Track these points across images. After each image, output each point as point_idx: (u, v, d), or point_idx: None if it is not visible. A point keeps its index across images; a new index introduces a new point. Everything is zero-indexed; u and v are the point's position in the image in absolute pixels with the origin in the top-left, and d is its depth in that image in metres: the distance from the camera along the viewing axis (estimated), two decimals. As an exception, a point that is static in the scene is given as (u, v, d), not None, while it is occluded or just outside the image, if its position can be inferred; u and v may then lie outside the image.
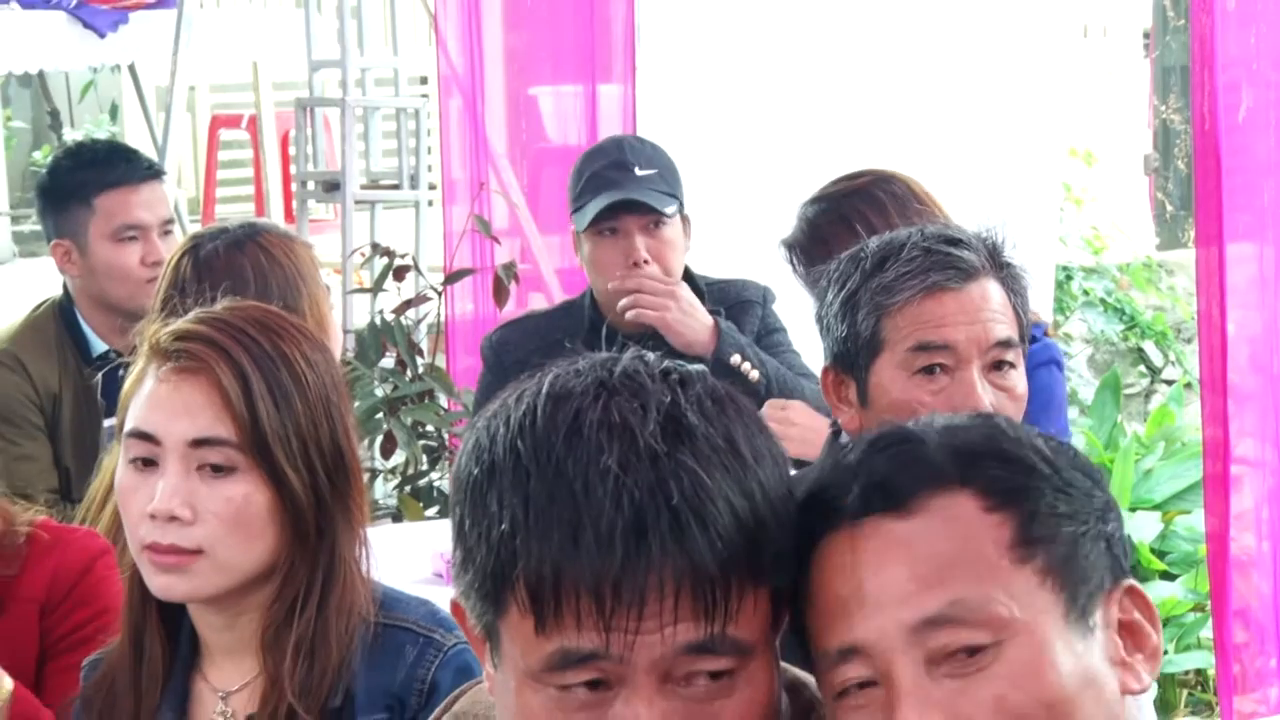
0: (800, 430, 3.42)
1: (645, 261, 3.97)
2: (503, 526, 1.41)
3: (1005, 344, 2.52)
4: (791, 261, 3.58)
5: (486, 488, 1.43)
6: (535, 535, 1.39)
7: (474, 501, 1.44)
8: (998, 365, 2.52)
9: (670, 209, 4.03)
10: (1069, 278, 7.18)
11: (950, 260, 2.50)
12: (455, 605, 1.53)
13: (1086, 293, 7.26)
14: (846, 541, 1.45)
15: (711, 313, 3.98)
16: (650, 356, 1.50)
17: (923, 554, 1.43)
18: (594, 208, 3.99)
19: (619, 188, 4.00)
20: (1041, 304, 5.18)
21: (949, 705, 1.40)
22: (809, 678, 1.60)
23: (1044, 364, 3.57)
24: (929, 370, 2.50)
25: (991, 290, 2.52)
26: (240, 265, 3.17)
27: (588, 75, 5.85)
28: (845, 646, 1.43)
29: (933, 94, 5.23)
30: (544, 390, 1.45)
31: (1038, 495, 1.44)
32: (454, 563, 1.50)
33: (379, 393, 5.33)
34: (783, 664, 1.55)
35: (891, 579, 1.43)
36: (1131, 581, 1.46)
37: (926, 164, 4.30)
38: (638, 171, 4.03)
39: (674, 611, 1.39)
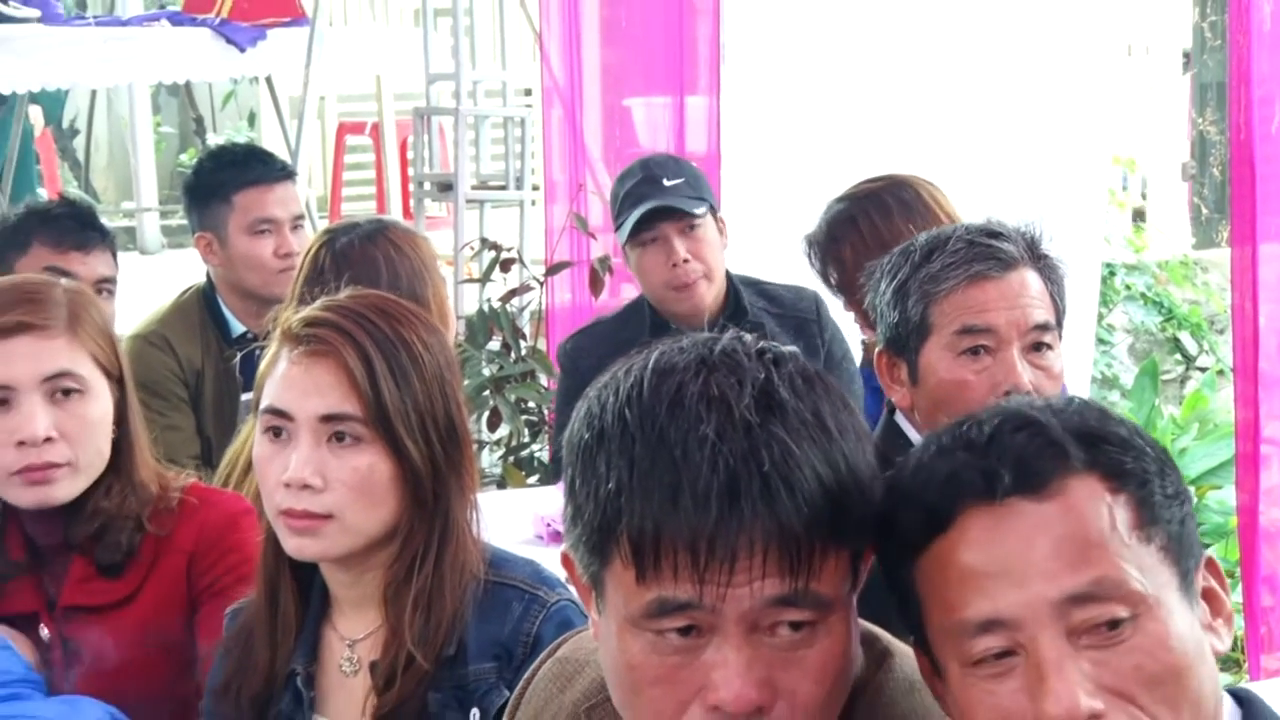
0: None
1: (685, 260, 3.99)
2: (609, 486, 1.41)
3: (1043, 327, 2.51)
4: (809, 255, 3.59)
5: (596, 451, 1.44)
6: (638, 495, 1.40)
7: (584, 463, 1.45)
8: (1036, 346, 2.51)
9: (700, 210, 4.04)
10: (1112, 274, 7.16)
11: (991, 251, 2.50)
12: (565, 557, 1.55)
13: (1128, 287, 7.23)
14: (987, 519, 1.41)
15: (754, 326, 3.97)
16: (747, 337, 1.51)
17: (1064, 534, 1.40)
18: (631, 219, 4.00)
19: (651, 199, 4.02)
20: (1088, 298, 5.14)
21: (1094, 676, 1.38)
22: (881, 632, 1.59)
23: None
24: (973, 351, 2.50)
25: (1030, 279, 2.52)
26: (373, 256, 3.18)
27: (676, 88, 5.84)
28: (987, 619, 1.40)
29: (990, 107, 5.21)
30: (650, 365, 1.46)
31: (1150, 477, 1.42)
32: (564, 518, 1.51)
33: (486, 372, 5.35)
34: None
35: (1037, 558, 1.40)
36: (1209, 553, 1.45)
37: (984, 171, 4.29)
38: (666, 183, 4.05)
39: (762, 568, 1.39)
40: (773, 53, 5.62)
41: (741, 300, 4.13)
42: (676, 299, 4.06)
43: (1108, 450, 1.42)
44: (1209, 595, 1.45)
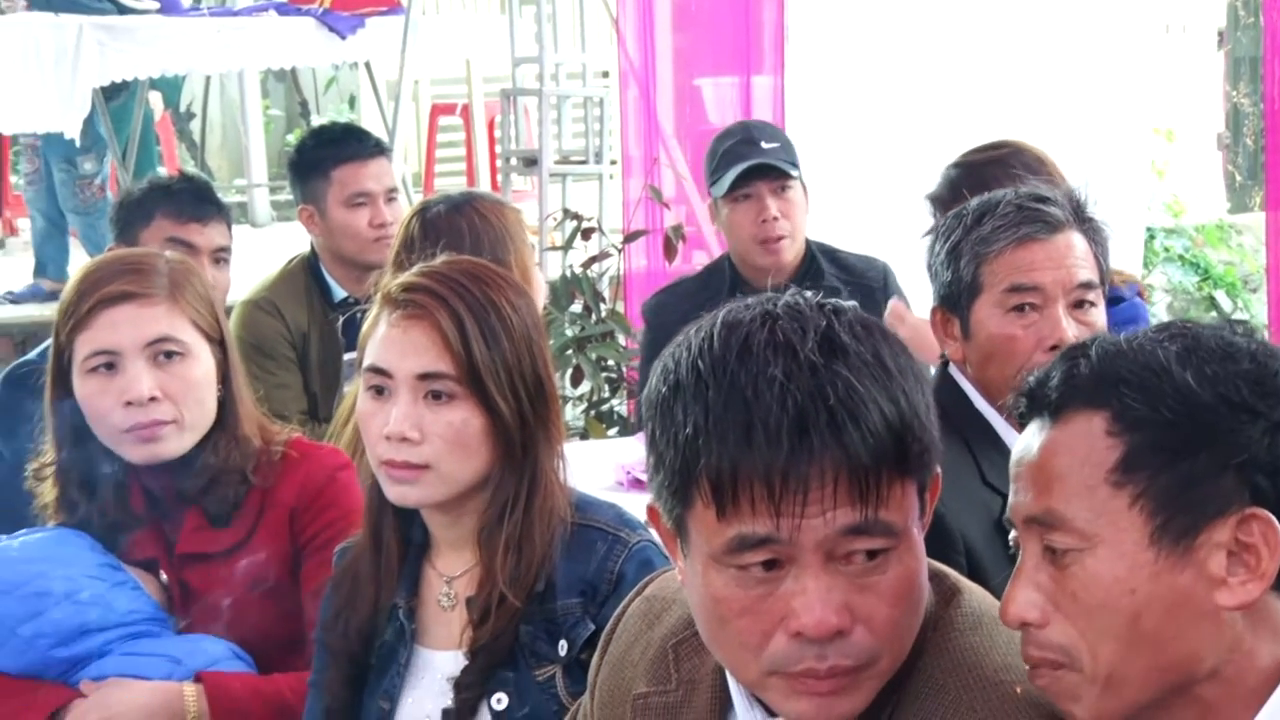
0: (907, 330, 3.39)
1: (775, 218, 3.98)
2: (687, 431, 1.41)
3: (1087, 285, 2.48)
4: (934, 215, 3.55)
5: (672, 402, 1.44)
6: (714, 436, 1.39)
7: (662, 414, 1.45)
8: (1080, 304, 2.48)
9: (795, 173, 4.03)
10: (1152, 237, 7.12)
11: (1039, 215, 2.48)
12: (651, 509, 1.54)
13: (1167, 250, 7.19)
14: (1028, 430, 1.46)
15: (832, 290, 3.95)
16: (808, 294, 1.50)
17: (1047, 462, 1.42)
18: (730, 175, 4.02)
19: (750, 158, 4.02)
20: (1132, 260, 5.09)
21: (1049, 589, 1.41)
22: (949, 569, 1.58)
23: (1126, 322, 3.53)
24: (1021, 308, 2.47)
25: (1076, 240, 2.49)
26: (459, 225, 3.17)
27: (743, 68, 5.83)
28: (1013, 513, 1.47)
29: (1040, 83, 5.18)
30: (719, 320, 1.46)
31: (1157, 428, 1.38)
32: (647, 469, 1.51)
33: (569, 333, 5.35)
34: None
35: (1025, 475, 1.44)
36: (1255, 510, 1.37)
37: (1037, 141, 4.24)
38: (764, 145, 4.06)
39: (833, 498, 1.39)
40: (834, 34, 5.60)
41: (817, 264, 4.12)
42: (761, 253, 4.05)
43: (1123, 394, 1.39)
44: (1246, 550, 1.38)
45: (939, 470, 1.51)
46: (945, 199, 3.48)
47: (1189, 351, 1.40)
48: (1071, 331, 2.44)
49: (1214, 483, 1.37)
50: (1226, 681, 1.39)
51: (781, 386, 1.38)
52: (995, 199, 2.55)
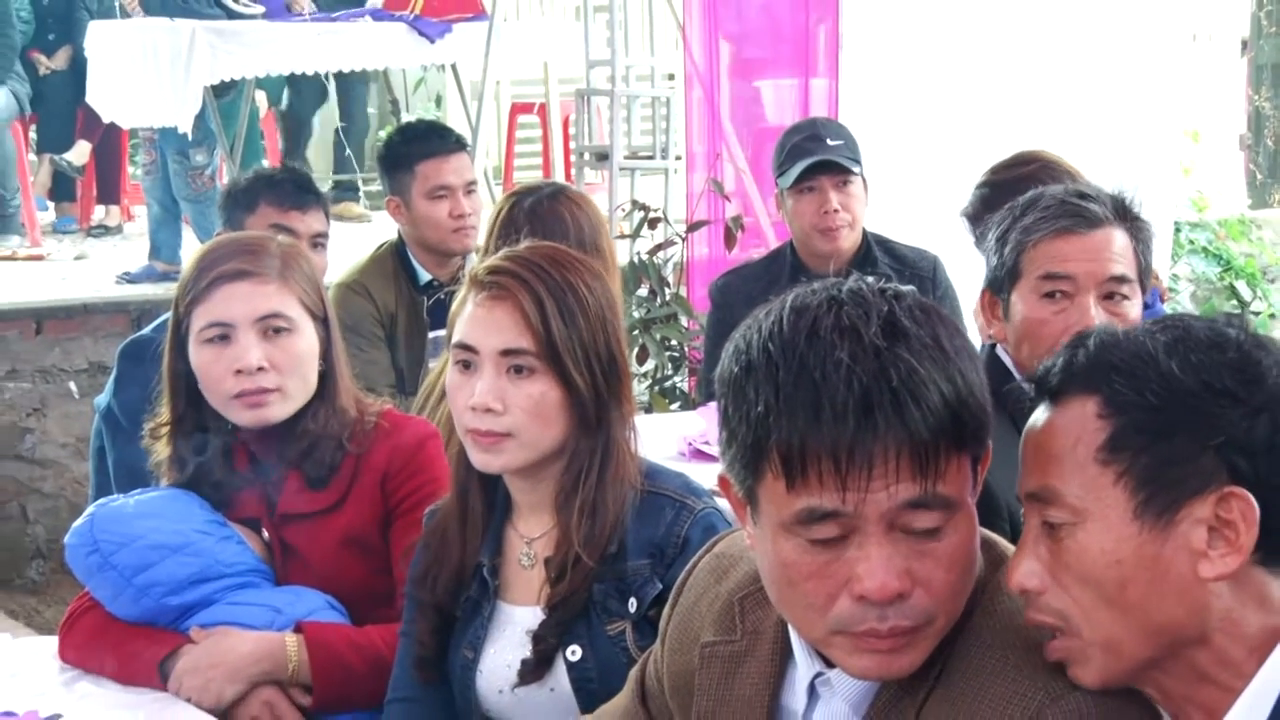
0: None
1: (835, 210, 3.98)
2: (759, 409, 1.41)
3: (1119, 279, 2.45)
4: (971, 231, 3.52)
5: (745, 381, 1.43)
6: (785, 414, 1.39)
7: (735, 392, 1.44)
8: (1111, 295, 2.45)
9: (856, 169, 4.02)
10: (1178, 230, 7.05)
11: (1079, 210, 2.45)
12: (722, 479, 1.53)
13: (1191, 242, 7.12)
14: (1035, 414, 1.47)
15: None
16: (869, 279, 1.49)
17: (1043, 442, 1.43)
18: (796, 169, 4.02)
19: (815, 154, 4.01)
20: (1161, 256, 5.04)
21: (1047, 560, 1.41)
22: (997, 538, 1.57)
23: None
24: (1053, 295, 2.45)
25: (1116, 236, 2.45)
26: (560, 213, 3.17)
27: (800, 71, 5.81)
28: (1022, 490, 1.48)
29: (1077, 88, 5.14)
30: (787, 305, 1.45)
31: (1141, 411, 1.38)
32: (720, 442, 1.50)
33: (635, 315, 5.34)
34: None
35: (1027, 454, 1.46)
36: (1234, 488, 1.36)
37: (1074, 142, 4.21)
38: (829, 142, 4.05)
39: (896, 473, 1.38)
40: (885, 41, 5.58)
41: (872, 253, 4.11)
42: (821, 240, 4.04)
43: (1114, 380, 1.39)
44: (1225, 525, 1.37)
45: (990, 444, 1.49)
46: (977, 215, 3.45)
47: (1178, 341, 1.40)
48: (1099, 320, 2.39)
49: (1193, 463, 1.37)
50: (1216, 648, 1.39)
51: (847, 369, 1.38)
52: (1043, 193, 2.53)
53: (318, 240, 3.71)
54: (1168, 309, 4.44)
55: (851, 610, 1.41)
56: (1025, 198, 2.54)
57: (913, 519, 1.40)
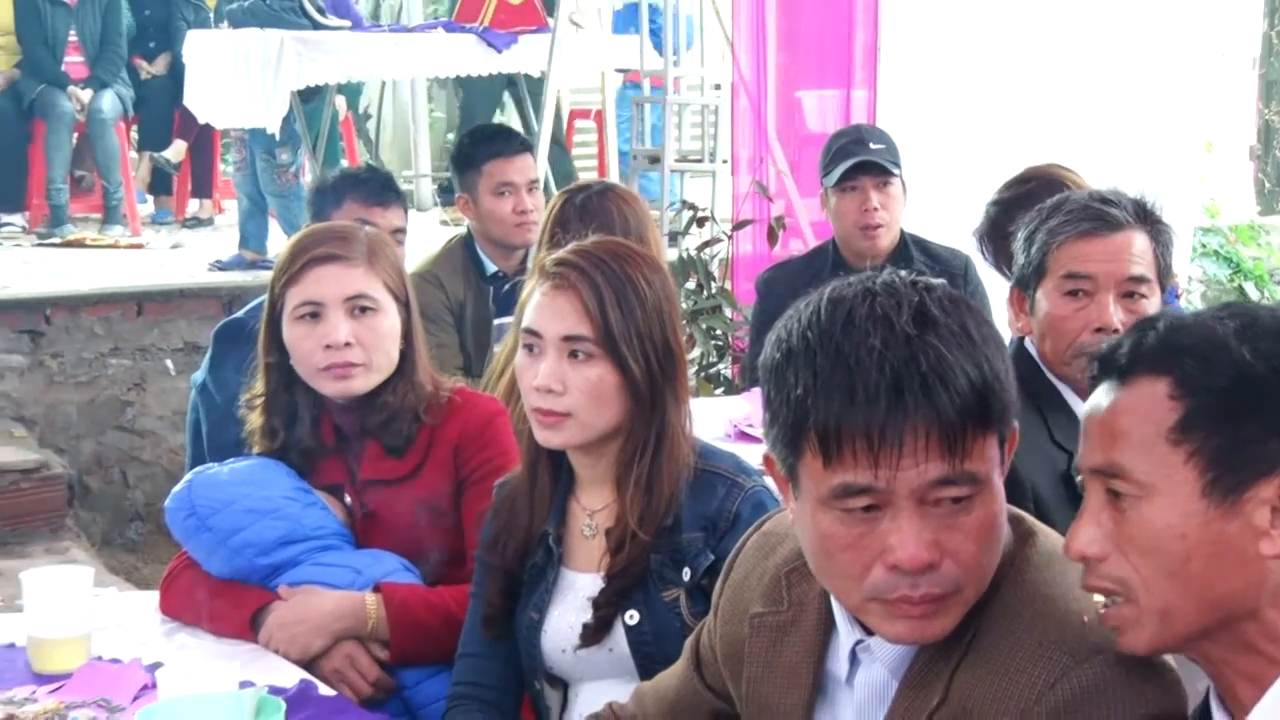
0: None
1: (875, 209, 3.96)
2: (798, 392, 1.40)
3: (1138, 279, 2.41)
4: (981, 251, 3.50)
5: (785, 367, 1.43)
6: (821, 397, 1.39)
7: (776, 377, 1.44)
8: (1130, 294, 2.41)
9: (896, 171, 4.00)
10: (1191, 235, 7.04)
11: (1101, 213, 2.42)
12: (766, 458, 1.52)
13: (1204, 246, 7.06)
14: (1098, 392, 1.42)
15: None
16: (902, 273, 1.48)
17: (1112, 420, 1.39)
18: (840, 168, 4.00)
19: (858, 156, 4.00)
20: (1181, 255, 5.00)
21: (1109, 529, 1.37)
22: (1025, 514, 1.56)
23: None
24: (1074, 293, 2.42)
25: (1136, 239, 2.41)
26: (608, 208, 3.17)
27: (840, 82, 5.78)
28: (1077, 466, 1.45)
29: (1105, 100, 5.10)
30: (825, 296, 1.45)
31: (1212, 394, 1.34)
32: (764, 423, 1.49)
33: (684, 306, 5.33)
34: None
35: (1093, 429, 1.41)
36: None
37: (1101, 151, 4.19)
38: (872, 145, 4.04)
39: (925, 452, 1.38)
40: (921, 54, 5.55)
41: (909, 251, 4.10)
42: (861, 237, 4.03)
43: (1185, 363, 1.35)
44: None
45: (1016, 425, 1.48)
46: (988, 234, 3.43)
47: (1246, 328, 1.36)
48: (1118, 318, 2.38)
49: (1262, 446, 1.33)
50: (1267, 622, 1.35)
51: (880, 354, 1.37)
52: (1069, 197, 2.51)
53: (396, 234, 3.72)
54: (1181, 304, 4.40)
55: (885, 579, 1.41)
56: (1053, 200, 2.51)
57: (941, 494, 1.40)
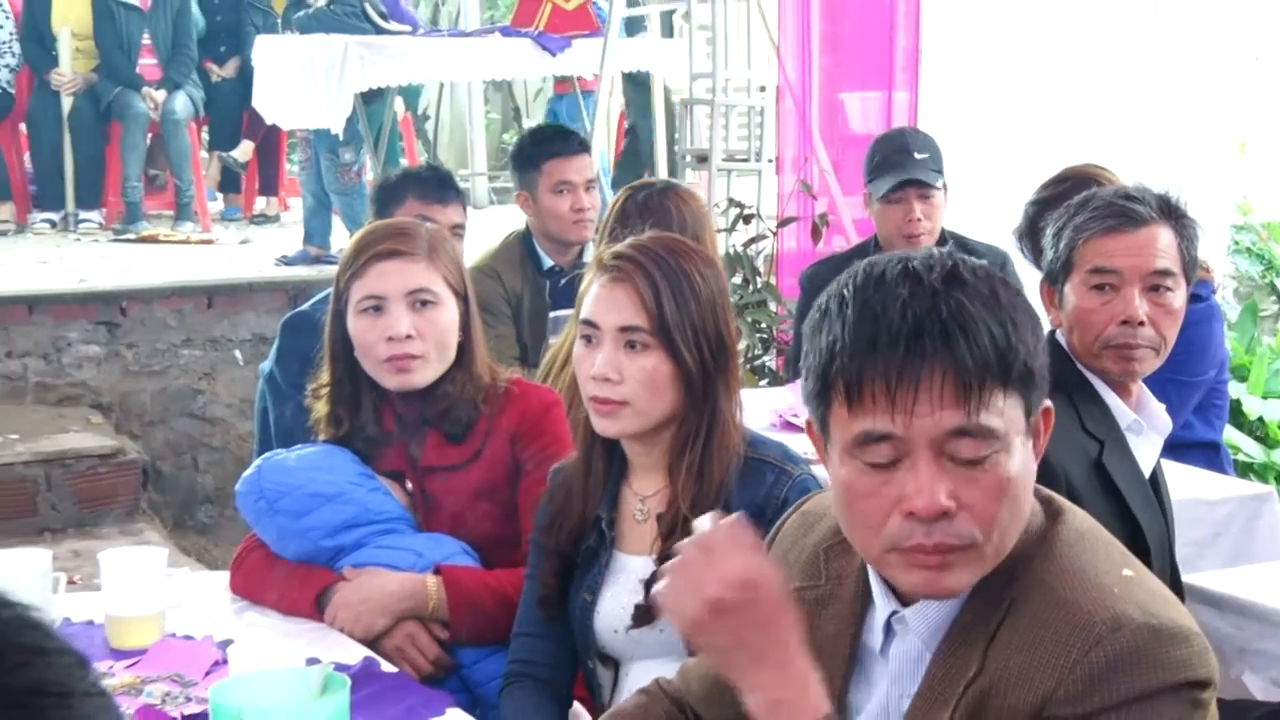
0: None
1: (918, 219, 3.93)
2: (828, 341, 1.41)
3: (1163, 273, 2.39)
4: (1020, 248, 3.48)
5: (820, 325, 1.44)
6: (848, 345, 1.39)
7: (811, 336, 1.45)
8: (1155, 288, 2.39)
9: (938, 183, 3.98)
10: (1225, 232, 6.95)
11: (1126, 210, 2.39)
12: (808, 422, 1.51)
13: (1237, 243, 6.96)
14: None
15: None
16: (940, 249, 1.48)
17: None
18: (886, 183, 3.98)
19: (904, 169, 3.97)
20: (1218, 251, 4.94)
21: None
22: (1055, 494, 1.55)
23: (1202, 322, 3.45)
24: (1100, 287, 2.40)
25: (1161, 234, 2.39)
26: (666, 206, 3.16)
27: (882, 84, 5.75)
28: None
29: (1146, 102, 5.04)
30: (863, 264, 1.45)
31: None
32: (801, 383, 1.50)
33: (730, 300, 5.32)
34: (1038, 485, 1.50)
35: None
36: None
37: (1140, 151, 4.14)
38: (916, 155, 3.99)
39: (940, 399, 1.37)
40: (960, 58, 5.50)
41: (948, 246, 4.05)
42: (903, 244, 3.99)
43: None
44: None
45: (1049, 405, 1.46)
46: (1026, 233, 3.40)
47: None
48: (1143, 310, 2.36)
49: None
50: None
51: (904, 304, 1.38)
52: (1096, 194, 2.48)
53: (455, 231, 3.72)
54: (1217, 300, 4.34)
55: (901, 526, 1.40)
56: (1079, 198, 2.49)
57: (958, 446, 1.38)
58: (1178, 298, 2.41)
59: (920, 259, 1.42)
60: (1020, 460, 1.42)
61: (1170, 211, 2.42)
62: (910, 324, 1.36)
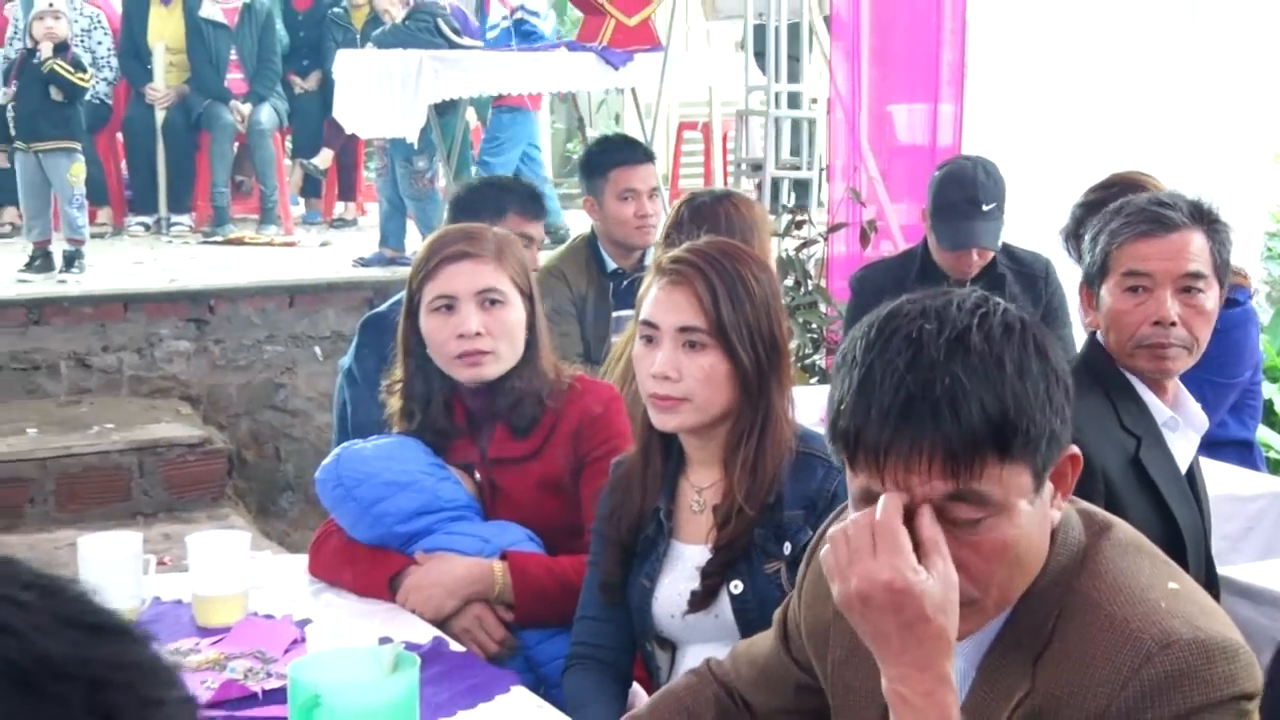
0: None
1: (975, 261, 3.79)
2: (837, 398, 1.38)
3: (1194, 275, 2.36)
4: (1066, 249, 3.42)
5: (838, 371, 1.40)
6: (849, 407, 1.35)
7: (834, 379, 1.42)
8: (1187, 290, 2.36)
9: (997, 244, 3.79)
10: (1259, 239, 6.82)
11: (1158, 216, 2.37)
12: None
13: (1270, 249, 6.84)
14: None
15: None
16: (975, 295, 1.40)
17: None
18: (947, 238, 3.77)
19: (969, 231, 3.75)
20: (1252, 261, 4.86)
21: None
22: (1098, 509, 1.51)
23: (1239, 326, 3.40)
24: (1134, 289, 2.37)
25: (1194, 238, 2.36)
26: (718, 213, 3.15)
27: (929, 96, 5.69)
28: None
29: (1186, 112, 4.95)
30: (886, 311, 1.40)
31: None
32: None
33: (783, 301, 5.29)
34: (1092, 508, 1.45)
35: None
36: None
37: (1181, 162, 4.08)
38: (984, 207, 3.75)
39: (929, 472, 1.32)
40: (1003, 71, 5.44)
41: (995, 257, 3.94)
42: (955, 273, 3.81)
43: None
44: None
45: (1075, 451, 1.41)
46: (1071, 233, 3.35)
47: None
48: (1175, 312, 2.34)
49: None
50: None
51: (900, 377, 1.32)
52: (1130, 200, 2.45)
53: (539, 241, 3.75)
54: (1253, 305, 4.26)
55: None
56: (1115, 204, 2.47)
57: (954, 510, 1.34)
58: (1209, 299, 2.39)
59: (935, 317, 1.36)
60: (1024, 519, 1.36)
61: (1202, 216, 2.39)
62: (901, 401, 1.32)
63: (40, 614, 0.66)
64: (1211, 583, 2.33)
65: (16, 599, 0.66)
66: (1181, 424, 2.39)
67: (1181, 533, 2.29)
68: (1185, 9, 5.09)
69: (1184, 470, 2.39)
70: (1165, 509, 2.30)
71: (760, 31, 6.36)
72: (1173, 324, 2.32)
